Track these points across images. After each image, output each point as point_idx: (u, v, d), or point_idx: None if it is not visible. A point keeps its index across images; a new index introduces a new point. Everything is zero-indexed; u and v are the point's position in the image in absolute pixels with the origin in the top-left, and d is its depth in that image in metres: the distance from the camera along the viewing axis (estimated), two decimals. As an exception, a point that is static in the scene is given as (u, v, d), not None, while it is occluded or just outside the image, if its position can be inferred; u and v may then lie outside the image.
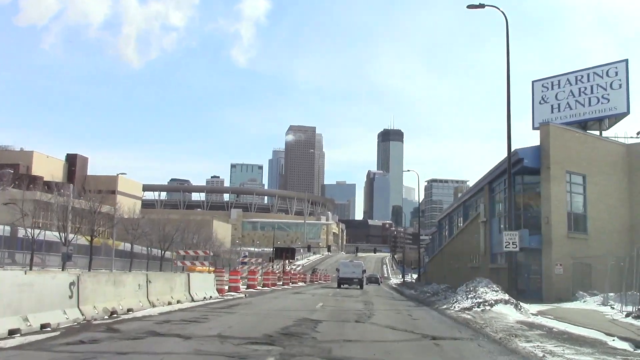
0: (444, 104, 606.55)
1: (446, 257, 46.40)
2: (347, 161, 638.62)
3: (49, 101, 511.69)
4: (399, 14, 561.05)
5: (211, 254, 25.99)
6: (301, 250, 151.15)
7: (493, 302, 16.43)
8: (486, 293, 17.43)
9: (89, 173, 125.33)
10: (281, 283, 38.57)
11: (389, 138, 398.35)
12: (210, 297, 18.18)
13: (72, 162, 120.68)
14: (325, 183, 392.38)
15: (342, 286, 38.14)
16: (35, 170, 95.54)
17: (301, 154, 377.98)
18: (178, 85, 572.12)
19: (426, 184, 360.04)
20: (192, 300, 16.21)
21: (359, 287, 38.18)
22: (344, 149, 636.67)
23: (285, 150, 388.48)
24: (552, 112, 32.34)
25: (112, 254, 46.75)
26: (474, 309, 16.18)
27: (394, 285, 61.44)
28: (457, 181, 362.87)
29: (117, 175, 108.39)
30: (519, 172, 26.23)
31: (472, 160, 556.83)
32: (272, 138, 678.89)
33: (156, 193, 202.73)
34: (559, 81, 31.79)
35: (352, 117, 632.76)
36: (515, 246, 21.11)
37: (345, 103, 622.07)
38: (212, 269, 29.35)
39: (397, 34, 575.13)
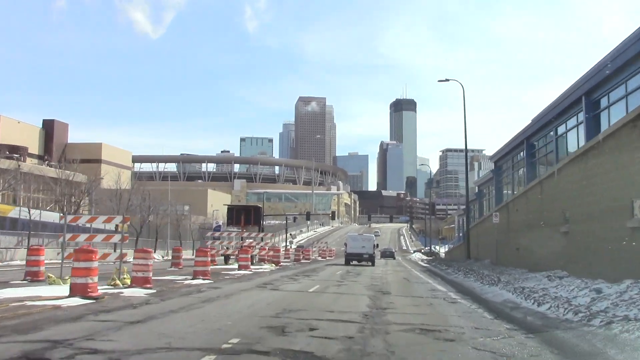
0: (457, 74, 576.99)
1: (524, 217, 24.50)
2: (359, 135, 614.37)
3: (57, 79, 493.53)
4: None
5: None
6: (307, 221, 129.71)
7: None
8: None
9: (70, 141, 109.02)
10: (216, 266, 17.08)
11: (402, 108, 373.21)
12: None
13: (50, 129, 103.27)
14: (337, 155, 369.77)
15: (351, 263, 33.40)
16: (4, 137, 78.54)
17: (312, 125, 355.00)
18: (187, 61, 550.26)
19: (441, 153, 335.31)
20: None
21: (370, 263, 33.45)
22: (355, 121, 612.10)
23: (295, 121, 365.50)
24: None
25: None
26: None
27: (423, 263, 39.71)
28: (472, 150, 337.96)
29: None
30: None
31: (486, 130, 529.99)
32: (282, 112, 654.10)
33: (154, 165, 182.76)
34: None
35: (364, 89, 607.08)
36: None
37: (356, 76, 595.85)
38: None
39: (408, 4, 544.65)
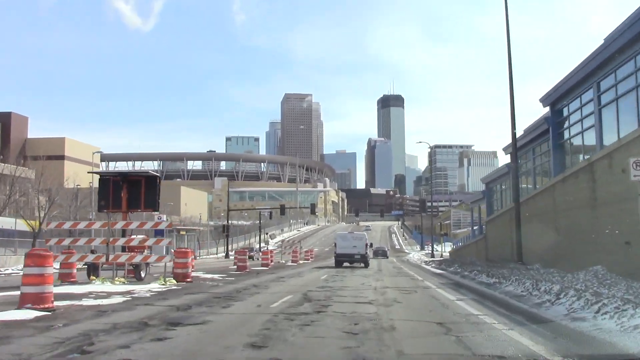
0: (444, 72, 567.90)
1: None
2: (347, 133, 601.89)
3: (39, 82, 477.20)
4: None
5: None
6: (290, 220, 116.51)
7: None
8: None
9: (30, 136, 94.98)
10: None
11: (389, 104, 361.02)
12: None
13: (7, 123, 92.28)
14: (324, 153, 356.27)
15: (342, 265, 30.49)
16: (-44, 131, 67.84)
17: (298, 122, 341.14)
18: (173, 60, 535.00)
19: (429, 150, 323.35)
20: None
21: (362, 264, 30.60)
22: (344, 120, 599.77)
23: (281, 119, 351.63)
24: None
25: None
26: None
27: (433, 267, 26.57)
28: (461, 146, 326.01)
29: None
30: None
31: (475, 127, 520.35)
32: (270, 112, 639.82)
33: (130, 163, 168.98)
34: None
35: (351, 88, 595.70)
36: None
37: (343, 75, 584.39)
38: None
39: (396, 2, 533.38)
